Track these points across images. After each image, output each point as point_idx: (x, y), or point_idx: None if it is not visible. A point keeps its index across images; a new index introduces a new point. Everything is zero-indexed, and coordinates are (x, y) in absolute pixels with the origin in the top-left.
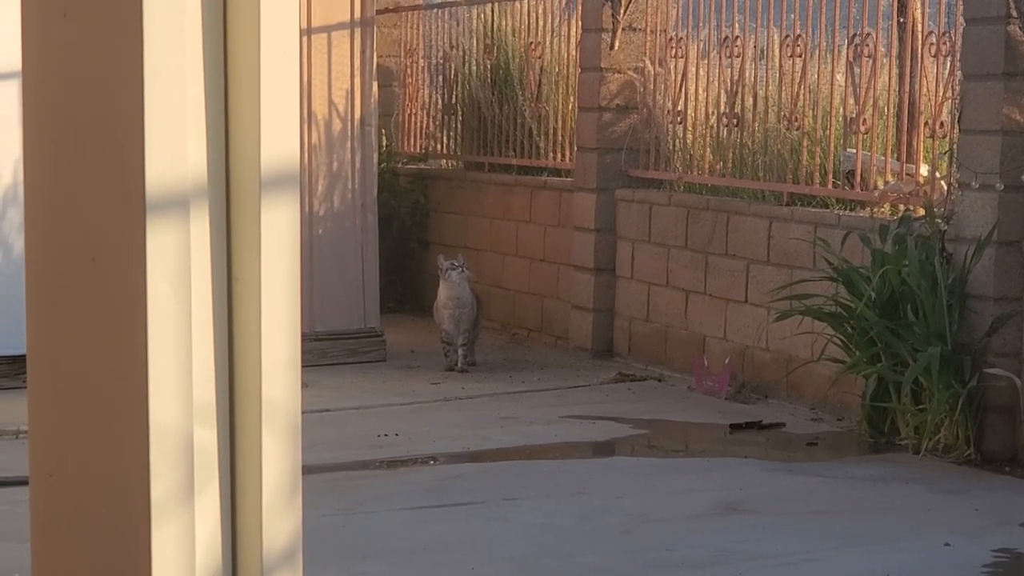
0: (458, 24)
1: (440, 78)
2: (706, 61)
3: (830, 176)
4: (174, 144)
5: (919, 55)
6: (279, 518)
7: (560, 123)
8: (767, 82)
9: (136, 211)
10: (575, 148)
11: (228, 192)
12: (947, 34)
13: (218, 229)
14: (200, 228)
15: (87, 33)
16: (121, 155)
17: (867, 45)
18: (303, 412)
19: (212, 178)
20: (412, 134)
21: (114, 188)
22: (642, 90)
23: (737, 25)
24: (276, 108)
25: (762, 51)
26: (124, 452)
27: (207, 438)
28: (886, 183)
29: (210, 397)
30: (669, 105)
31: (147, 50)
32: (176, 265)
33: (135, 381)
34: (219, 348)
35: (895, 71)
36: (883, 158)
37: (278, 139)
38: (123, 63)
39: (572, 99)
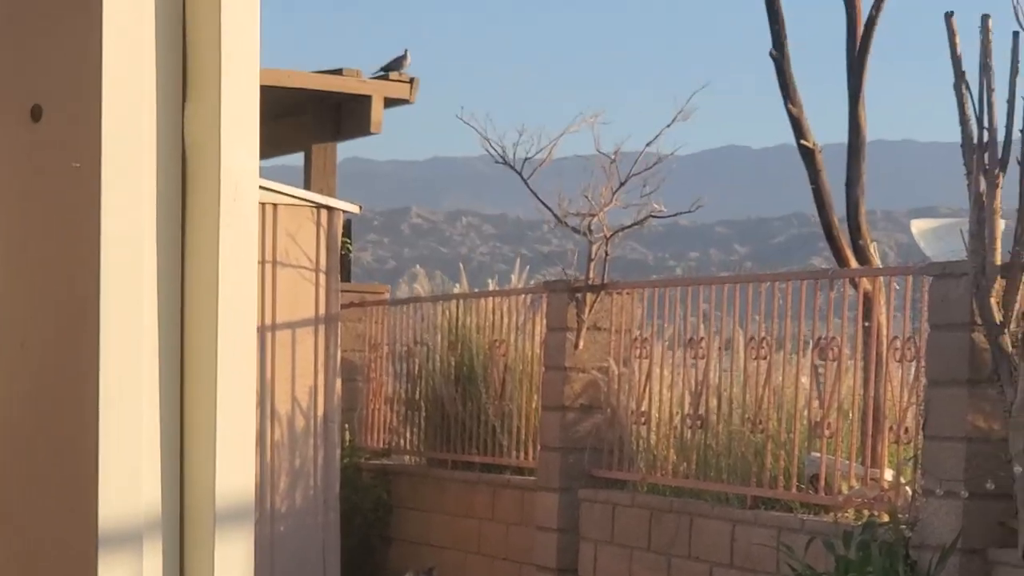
0: (423, 320)
1: (404, 373)
2: (671, 360)
3: (794, 480)
4: (128, 478)
5: (884, 359)
6: None
7: (523, 421)
8: (731, 383)
9: (88, 548)
10: (538, 447)
11: (182, 527)
12: (912, 339)
13: (171, 564)
14: (152, 564)
15: (46, 369)
16: (76, 490)
17: (832, 348)
18: None
19: (166, 513)
20: (375, 429)
21: (66, 522)
22: (606, 390)
23: (702, 327)
24: (232, 440)
25: (727, 344)
26: None
27: None
28: (850, 488)
29: None
30: (633, 405)
31: (103, 383)
32: None
33: None
34: None
35: (860, 375)
36: (848, 462)
37: (234, 472)
38: (76, 400)
39: (536, 397)
